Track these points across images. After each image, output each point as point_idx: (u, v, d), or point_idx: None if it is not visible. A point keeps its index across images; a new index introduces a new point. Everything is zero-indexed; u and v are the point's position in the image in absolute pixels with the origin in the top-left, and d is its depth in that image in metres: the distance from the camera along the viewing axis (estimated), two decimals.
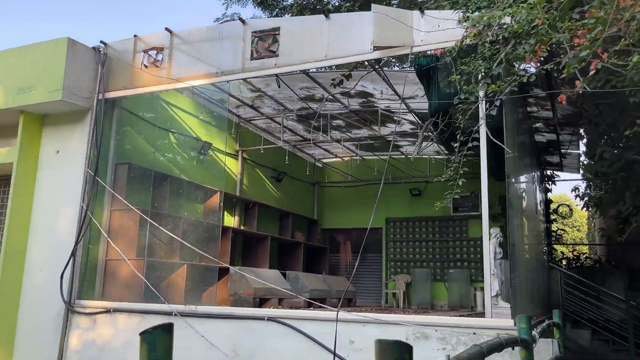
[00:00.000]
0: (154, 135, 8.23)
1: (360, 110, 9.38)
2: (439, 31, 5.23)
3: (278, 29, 6.22)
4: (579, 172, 12.66)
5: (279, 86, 6.80)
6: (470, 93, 4.29)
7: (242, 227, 10.37)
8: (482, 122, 4.04)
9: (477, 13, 4.97)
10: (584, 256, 13.32)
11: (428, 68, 5.84)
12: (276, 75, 6.65)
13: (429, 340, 4.79)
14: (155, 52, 6.94)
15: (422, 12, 5.46)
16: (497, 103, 3.91)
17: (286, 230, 11.73)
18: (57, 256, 6.80)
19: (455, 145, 4.56)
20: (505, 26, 4.30)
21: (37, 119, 7.29)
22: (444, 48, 5.05)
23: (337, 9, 13.65)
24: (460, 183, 4.52)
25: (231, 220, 10.17)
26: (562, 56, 3.82)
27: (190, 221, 8.22)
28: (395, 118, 9.90)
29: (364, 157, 12.81)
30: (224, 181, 9.55)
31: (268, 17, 13.57)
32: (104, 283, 6.99)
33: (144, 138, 8.05)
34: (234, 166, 10.51)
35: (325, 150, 12.84)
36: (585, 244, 14.99)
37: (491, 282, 5.99)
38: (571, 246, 15.14)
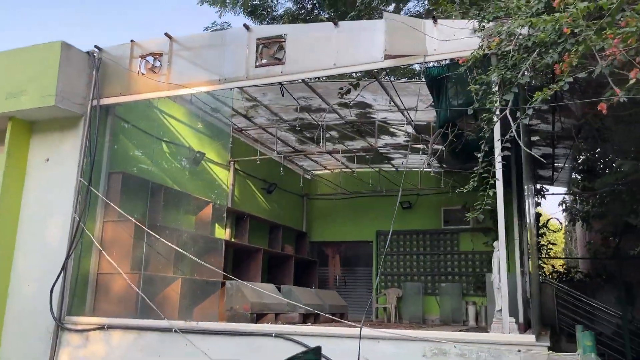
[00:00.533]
0: (146, 144, 7.95)
1: (357, 121, 9.27)
2: (453, 40, 5.16)
3: (284, 36, 6.07)
4: (568, 187, 12.79)
5: (283, 95, 6.64)
6: (494, 102, 4.20)
7: (232, 240, 10.10)
8: (512, 133, 3.94)
9: (492, 23, 4.91)
10: (574, 270, 13.40)
11: (439, 78, 5.75)
12: (280, 83, 6.50)
13: (448, 356, 4.64)
14: (154, 57, 6.71)
15: (435, 21, 5.39)
16: (530, 112, 3.83)
17: (276, 243, 11.50)
18: (45, 269, 6.45)
19: (479, 155, 4.45)
20: (528, 36, 4.23)
21: (26, 125, 6.96)
22: (461, 57, 4.96)
23: (326, 20, 13.63)
24: (490, 193, 4.39)
25: (222, 233, 9.89)
26: (589, 66, 3.75)
27: (189, 234, 7.96)
28: (391, 130, 9.82)
29: (354, 170, 12.69)
30: (220, 193, 9.32)
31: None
32: (95, 298, 6.65)
33: (136, 147, 7.77)
34: (225, 177, 10.26)
35: (314, 162, 12.70)
36: (576, 258, 15.13)
37: (496, 297, 5.91)
38: (560, 260, 15.24)
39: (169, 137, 8.49)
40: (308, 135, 10.54)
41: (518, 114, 4.04)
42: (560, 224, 13.48)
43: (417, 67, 13.76)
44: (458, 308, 11.50)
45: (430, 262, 12.44)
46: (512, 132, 3.92)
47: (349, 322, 5.42)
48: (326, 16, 13.43)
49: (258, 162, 9.96)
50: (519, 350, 4.44)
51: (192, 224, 8.81)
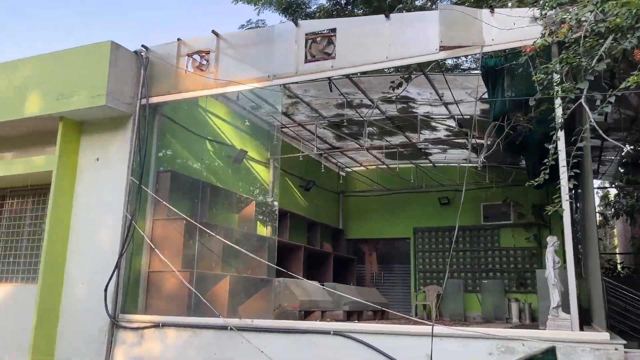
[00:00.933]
0: (191, 143, 7.97)
1: (399, 115, 9.15)
2: (512, 30, 5.01)
3: (334, 30, 5.99)
4: (612, 180, 12.45)
5: (331, 90, 6.57)
6: (569, 91, 4.05)
7: (273, 237, 10.07)
8: (591, 122, 3.79)
9: (555, 10, 4.75)
10: (621, 265, 13.05)
11: (496, 69, 5.61)
12: (329, 78, 6.43)
13: (516, 354, 4.51)
14: (200, 55, 6.71)
15: (492, 10, 5.25)
16: (612, 99, 3.68)
17: (314, 241, 11.45)
18: (98, 268, 6.51)
19: (550, 146, 4.30)
20: (600, 21, 4.07)
21: (76, 126, 7.03)
22: (521, 47, 4.81)
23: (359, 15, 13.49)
24: (571, 186, 4.23)
25: (264, 230, 9.88)
26: None
27: (237, 231, 7.96)
28: (432, 124, 9.67)
29: (390, 166, 12.57)
30: (261, 191, 9.30)
31: None
32: (147, 296, 6.69)
33: (182, 145, 7.79)
34: (265, 175, 10.25)
35: (351, 158, 12.61)
36: (625, 253, 14.74)
37: (551, 293, 5.74)
38: (606, 255, 14.87)
39: (212, 136, 8.50)
40: (347, 131, 10.46)
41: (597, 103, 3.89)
42: (605, 218, 13.12)
43: (462, 58, 13.56)
44: (500, 305, 11.30)
45: (470, 258, 12.24)
46: (591, 120, 3.77)
47: (415, 319, 5.32)
48: (360, 12, 13.31)
49: (301, 158, 9.94)
50: (593, 349, 4.28)
51: (235, 221, 8.81)
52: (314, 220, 11.54)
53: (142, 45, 6.97)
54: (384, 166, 12.52)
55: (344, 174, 13.51)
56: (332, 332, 5.20)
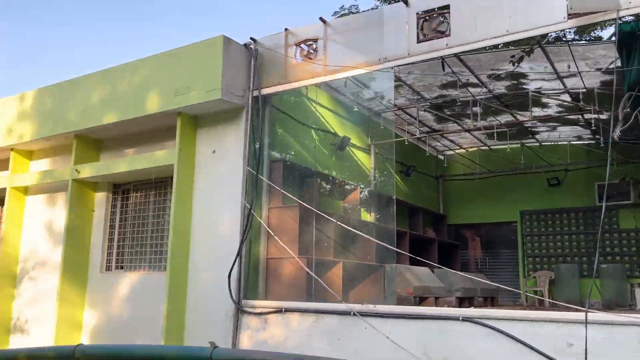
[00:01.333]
0: (298, 132, 8.08)
1: (508, 93, 8.72)
2: None
3: (447, 7, 5.77)
4: None
5: (444, 69, 6.35)
6: None
7: (390, 225, 10.02)
8: None
9: None
10: None
11: (632, 34, 5.14)
12: (441, 58, 6.23)
13: None
14: (309, 44, 6.73)
15: None
16: None
17: (417, 226, 11.27)
18: (219, 255, 6.78)
19: None
20: None
21: (192, 120, 7.33)
22: None
23: None
24: None
25: (367, 217, 9.86)
26: None
27: (346, 218, 8.01)
28: (543, 101, 9.14)
29: (492, 147, 12.07)
30: (364, 177, 9.28)
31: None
32: (266, 282, 6.88)
33: (290, 135, 7.91)
34: (366, 161, 10.20)
35: (450, 141, 12.24)
36: None
37: None
38: None
39: (316, 124, 8.56)
40: (449, 113, 10.15)
41: None
42: None
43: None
44: (622, 291, 10.52)
45: (585, 242, 11.51)
46: None
47: (565, 304, 5.06)
48: None
49: (406, 142, 9.80)
50: None
51: (341, 208, 8.85)
52: (415, 205, 11.36)
53: (251, 38, 7.12)
54: (485, 147, 12.06)
55: (442, 157, 13.16)
56: (460, 318, 5.06)
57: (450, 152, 13.00)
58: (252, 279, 6.78)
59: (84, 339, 8.00)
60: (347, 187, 8.84)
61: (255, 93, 6.94)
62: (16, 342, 8.69)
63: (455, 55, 6.80)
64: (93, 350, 1.86)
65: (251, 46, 7.09)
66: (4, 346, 8.71)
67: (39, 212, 9.04)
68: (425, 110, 10.08)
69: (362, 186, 9.20)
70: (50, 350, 1.93)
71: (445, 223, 12.72)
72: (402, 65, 6.18)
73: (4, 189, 9.17)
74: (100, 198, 8.45)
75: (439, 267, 7.49)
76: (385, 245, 6.66)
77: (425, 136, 10.94)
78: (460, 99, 9.13)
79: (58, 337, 7.73)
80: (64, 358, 1.91)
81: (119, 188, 8.44)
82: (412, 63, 6.15)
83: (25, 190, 9.20)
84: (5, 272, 8.82)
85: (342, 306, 5.80)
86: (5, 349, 2.07)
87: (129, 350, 1.99)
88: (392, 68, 6.28)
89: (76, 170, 8.10)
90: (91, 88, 8.02)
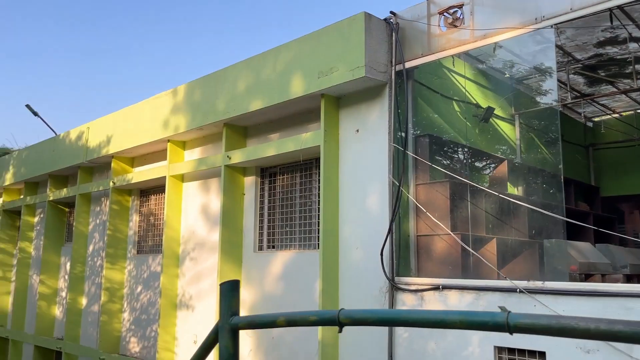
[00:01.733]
0: (440, 105, 7.82)
1: None
2: None
3: None
4: None
5: (611, 22, 5.73)
6: None
7: (531, 198, 9.45)
8: None
9: None
10: None
11: None
12: (609, 9, 5.61)
13: None
14: (453, 11, 6.44)
15: None
16: None
17: (568, 199, 10.43)
18: (369, 233, 6.81)
19: None
20: None
21: (335, 101, 7.40)
22: None
23: None
24: None
25: (514, 190, 9.33)
26: None
27: (510, 194, 7.63)
28: None
29: None
30: (508, 149, 8.77)
31: None
32: (417, 259, 6.79)
33: (432, 108, 7.68)
34: (510, 132, 9.63)
35: (602, 106, 11.15)
36: None
37: None
38: None
39: (458, 96, 8.23)
40: (603, 74, 9.22)
41: None
42: None
43: None
44: None
45: None
46: None
47: None
48: None
49: (561, 108, 9.08)
50: None
51: (487, 182, 8.46)
52: (565, 177, 10.52)
53: (391, 12, 6.98)
54: None
55: (590, 124, 12.05)
56: None
57: (601, 118, 11.85)
58: (403, 256, 6.73)
59: (242, 314, 8.53)
60: (493, 159, 8.41)
61: (398, 68, 6.81)
62: (182, 317, 9.54)
63: (619, 7, 6.10)
64: (357, 315, 1.88)
65: (391, 20, 6.95)
66: (172, 320, 9.60)
67: (194, 198, 9.77)
68: (575, 73, 9.25)
69: (509, 158, 8.71)
70: (312, 314, 1.99)
71: (599, 195, 11.66)
72: (564, 22, 5.66)
73: (164, 178, 10.03)
74: (249, 182, 8.91)
75: (636, 240, 6.84)
76: (555, 216, 6.21)
77: (577, 102, 10.06)
78: (619, 56, 8.23)
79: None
80: (326, 321, 1.97)
81: (266, 172, 8.82)
82: (576, 18, 5.60)
83: (182, 178, 9.98)
84: (169, 253, 9.68)
85: (506, 283, 5.54)
86: (264, 314, 2.22)
87: (397, 315, 1.99)
88: (551, 26, 5.78)
89: (228, 156, 8.59)
90: (237, 77, 8.43)
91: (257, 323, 2.47)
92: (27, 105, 16.42)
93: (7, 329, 14.82)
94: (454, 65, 7.79)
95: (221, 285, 2.45)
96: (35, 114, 16.64)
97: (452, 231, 6.68)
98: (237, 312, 2.41)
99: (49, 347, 12.76)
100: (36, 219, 14.81)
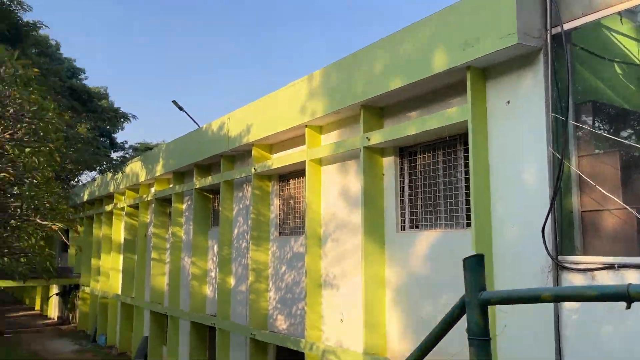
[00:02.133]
0: (600, 68, 7.12)
1: None
2: None
3: None
4: None
5: None
6: None
7: None
8: None
9: None
10: None
11: None
12: None
13: None
14: None
15: None
16: None
17: None
18: (526, 209, 6.45)
19: None
20: None
21: (480, 73, 7.06)
22: None
23: None
24: None
25: None
26: None
27: None
28: None
29: None
30: None
31: None
32: (583, 236, 6.29)
33: (592, 73, 7.02)
34: None
35: None
36: None
37: None
38: None
39: (619, 57, 7.43)
40: None
41: None
42: None
43: None
44: None
45: None
46: None
47: None
48: None
49: None
50: None
51: None
52: None
53: None
54: None
55: None
56: None
57: None
58: (567, 234, 6.27)
59: (388, 294, 8.56)
60: None
61: (554, 31, 6.30)
62: (327, 296, 9.80)
63: None
64: None
65: None
66: (318, 300, 9.91)
67: (333, 180, 9.94)
68: None
69: None
70: (592, 289, 1.88)
71: None
72: None
73: (302, 163, 10.33)
74: (387, 162, 8.86)
75: None
76: None
77: None
78: None
79: (367, 292, 8.42)
80: (609, 296, 1.85)
81: (405, 151, 8.70)
82: None
83: (320, 162, 10.20)
84: (312, 234, 9.98)
85: None
86: (521, 289, 2.18)
87: None
88: None
89: (367, 138, 8.60)
90: (373, 57, 8.37)
91: (513, 298, 2.38)
92: (174, 101, 17.81)
93: (165, 306, 16.36)
94: (622, 22, 7.04)
95: (466, 260, 2.42)
96: (180, 108, 18.01)
97: (630, 205, 6.08)
98: (484, 287, 2.35)
99: (204, 323, 13.86)
100: (184, 206, 16.09)
